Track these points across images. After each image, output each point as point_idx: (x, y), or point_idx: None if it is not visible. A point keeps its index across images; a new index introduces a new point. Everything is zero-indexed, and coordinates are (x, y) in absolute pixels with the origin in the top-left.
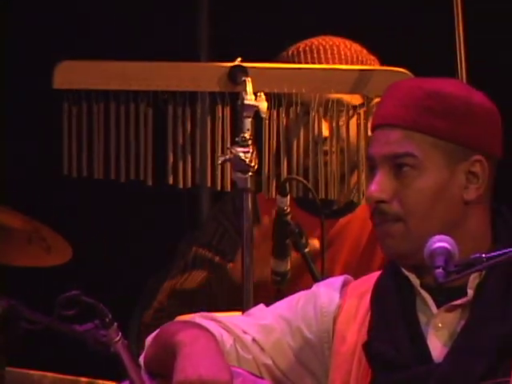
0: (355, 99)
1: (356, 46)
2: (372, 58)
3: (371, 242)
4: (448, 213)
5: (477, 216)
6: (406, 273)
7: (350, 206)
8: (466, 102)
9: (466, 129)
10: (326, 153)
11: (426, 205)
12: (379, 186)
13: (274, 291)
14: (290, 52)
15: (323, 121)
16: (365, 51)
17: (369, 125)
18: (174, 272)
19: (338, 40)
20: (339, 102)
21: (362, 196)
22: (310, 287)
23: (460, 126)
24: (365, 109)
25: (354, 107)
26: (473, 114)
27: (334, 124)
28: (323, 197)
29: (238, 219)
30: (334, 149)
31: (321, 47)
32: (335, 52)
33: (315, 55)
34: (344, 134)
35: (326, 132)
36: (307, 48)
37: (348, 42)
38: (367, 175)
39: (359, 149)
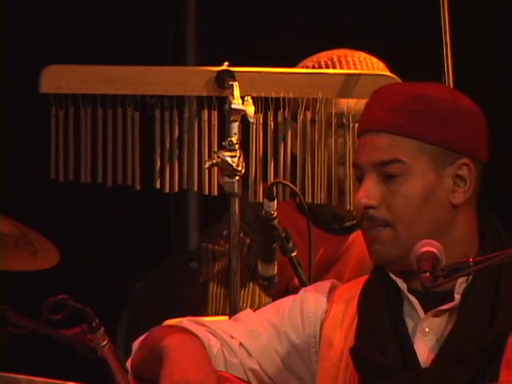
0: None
1: (378, 63)
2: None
3: None
4: (436, 217)
5: (464, 220)
6: (394, 277)
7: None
8: (452, 105)
9: (452, 132)
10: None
11: (414, 210)
12: (367, 191)
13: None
14: (311, 66)
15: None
16: (383, 65)
17: None
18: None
19: (358, 53)
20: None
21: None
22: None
23: (447, 130)
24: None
25: None
26: (459, 118)
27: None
28: (310, 201)
29: (259, 229)
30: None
31: (343, 60)
32: (358, 67)
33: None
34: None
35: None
36: (329, 62)
37: (368, 57)
38: (355, 183)
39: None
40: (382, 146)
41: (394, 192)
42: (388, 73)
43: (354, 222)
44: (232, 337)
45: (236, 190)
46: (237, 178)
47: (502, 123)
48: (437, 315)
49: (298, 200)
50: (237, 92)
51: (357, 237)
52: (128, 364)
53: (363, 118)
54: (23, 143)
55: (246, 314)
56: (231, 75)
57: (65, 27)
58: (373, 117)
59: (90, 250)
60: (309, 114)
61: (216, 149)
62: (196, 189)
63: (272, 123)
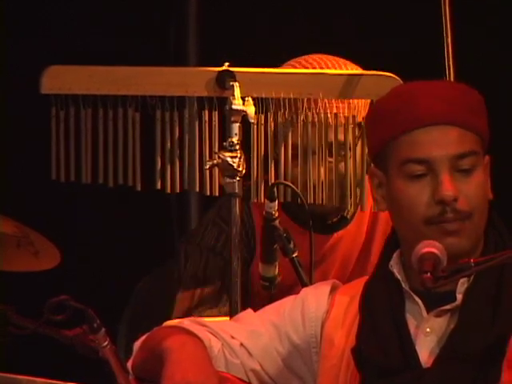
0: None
1: (353, 67)
2: None
3: (362, 259)
4: (487, 211)
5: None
6: (398, 277)
7: (343, 222)
8: (482, 100)
9: (487, 126)
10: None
11: (483, 201)
12: (452, 184)
13: (267, 298)
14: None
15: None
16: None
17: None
18: (187, 282)
19: (334, 59)
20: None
21: (355, 207)
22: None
23: (486, 124)
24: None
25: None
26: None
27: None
28: (311, 202)
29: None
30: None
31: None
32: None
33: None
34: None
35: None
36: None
37: (349, 64)
38: (358, 183)
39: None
40: (455, 138)
41: (468, 184)
42: (389, 73)
43: (336, 219)
44: (233, 337)
45: (237, 191)
46: (238, 178)
47: (505, 123)
48: (439, 315)
49: (299, 201)
50: (237, 92)
51: (342, 235)
52: (129, 364)
53: (416, 113)
54: (23, 143)
55: (247, 315)
56: (232, 76)
57: (65, 27)
58: (436, 111)
59: (90, 250)
60: (309, 115)
61: (217, 149)
62: (197, 189)
63: (272, 124)
